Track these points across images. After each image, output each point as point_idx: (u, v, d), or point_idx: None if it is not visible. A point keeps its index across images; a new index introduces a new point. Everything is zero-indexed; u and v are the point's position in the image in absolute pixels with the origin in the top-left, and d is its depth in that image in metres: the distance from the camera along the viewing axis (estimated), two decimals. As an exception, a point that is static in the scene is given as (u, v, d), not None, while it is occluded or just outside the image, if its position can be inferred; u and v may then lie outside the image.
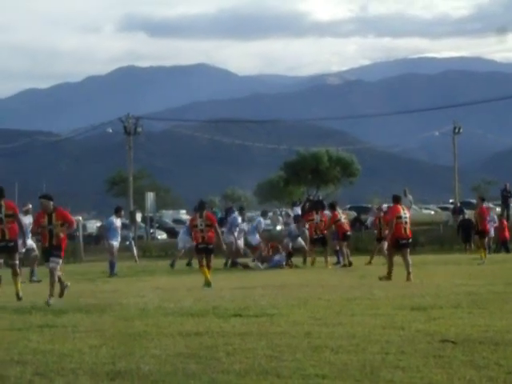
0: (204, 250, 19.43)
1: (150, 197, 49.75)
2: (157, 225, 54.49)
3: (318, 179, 65.73)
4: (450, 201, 62.02)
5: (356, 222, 46.72)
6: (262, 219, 30.77)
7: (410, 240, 19.69)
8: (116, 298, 14.97)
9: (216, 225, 19.82)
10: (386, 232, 21.89)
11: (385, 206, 36.05)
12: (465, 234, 36.21)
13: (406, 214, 19.55)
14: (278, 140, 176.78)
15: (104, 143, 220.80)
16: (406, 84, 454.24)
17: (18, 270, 15.68)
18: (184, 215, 67.77)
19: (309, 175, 65.26)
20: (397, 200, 19.94)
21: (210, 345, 9.02)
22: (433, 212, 58.45)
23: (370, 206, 53.45)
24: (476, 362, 7.70)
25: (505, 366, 7.49)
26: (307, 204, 50.76)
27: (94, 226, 59.38)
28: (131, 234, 44.93)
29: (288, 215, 52.63)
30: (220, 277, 22.67)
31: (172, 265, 28.30)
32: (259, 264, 26.62)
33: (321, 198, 52.98)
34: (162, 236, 53.68)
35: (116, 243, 25.09)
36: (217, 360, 8.10)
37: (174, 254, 33.99)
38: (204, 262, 19.38)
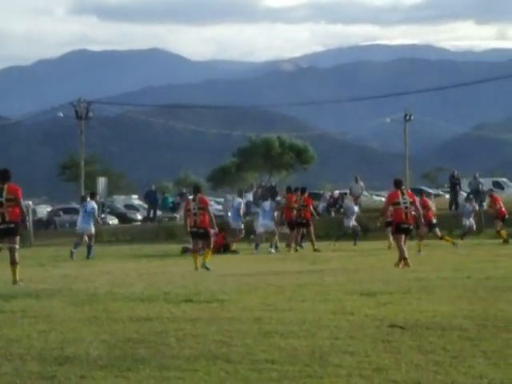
0: (195, 234, 19.55)
1: (102, 182, 49.46)
2: (108, 210, 54.18)
3: (269, 165, 65.90)
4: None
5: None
6: (241, 201, 30.59)
7: (411, 226, 19.26)
8: (66, 283, 14.87)
9: (209, 208, 19.85)
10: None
11: (337, 192, 36.48)
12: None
13: (405, 198, 18.99)
14: (231, 126, 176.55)
15: (55, 128, 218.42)
16: (359, 71, 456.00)
17: (16, 255, 15.43)
18: (136, 200, 67.42)
19: (260, 161, 65.41)
20: (397, 185, 19.34)
21: (160, 330, 9.00)
22: (383, 198, 58.80)
23: (321, 192, 53.65)
24: (423, 347, 7.80)
25: (451, 351, 7.60)
26: (259, 190, 50.92)
27: (44, 210, 58.80)
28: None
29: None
30: (170, 262, 22.66)
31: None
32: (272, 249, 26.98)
33: (274, 184, 53.16)
34: (113, 221, 53.37)
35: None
36: (167, 345, 8.09)
37: (124, 239, 33.83)
38: (197, 247, 19.44)
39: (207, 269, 18.74)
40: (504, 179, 65.99)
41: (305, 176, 73.52)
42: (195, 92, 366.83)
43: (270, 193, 50.46)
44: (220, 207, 57.21)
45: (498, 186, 60.90)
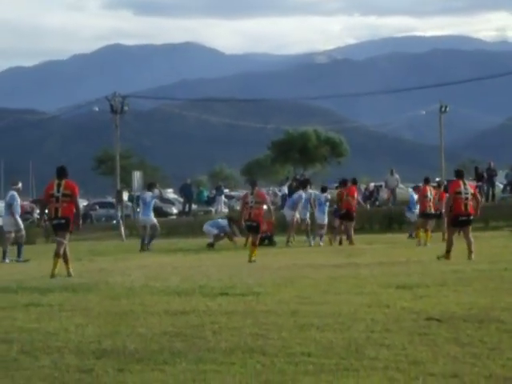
0: (249, 228, 19.86)
1: (137, 176, 49.66)
2: (144, 204, 54.44)
3: (304, 158, 65.84)
4: (437, 179, 62.10)
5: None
6: (302, 193, 29.47)
7: (472, 217, 18.46)
8: (102, 277, 14.97)
9: (268, 202, 20.10)
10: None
11: (372, 184, 36.35)
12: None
13: (467, 189, 18.34)
14: (265, 119, 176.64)
15: (91, 122, 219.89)
16: (393, 63, 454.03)
17: (61, 249, 15.73)
18: (171, 194, 67.66)
19: (296, 154, 65.37)
20: (459, 175, 18.86)
21: (196, 323, 9.04)
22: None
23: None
24: (460, 340, 7.75)
25: (488, 343, 7.55)
26: (294, 183, 50.87)
27: (80, 205, 59.10)
28: (119, 213, 44.97)
29: (275, 194, 52.80)
30: (205, 256, 22.72)
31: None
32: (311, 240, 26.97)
33: (307, 176, 53.08)
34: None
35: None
36: (203, 338, 8.12)
37: (160, 233, 34.02)
38: (250, 239, 19.60)
39: (253, 261, 18.88)
40: (541, 170, 65.24)
41: (339, 169, 73.37)
42: (229, 85, 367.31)
43: (303, 185, 50.45)
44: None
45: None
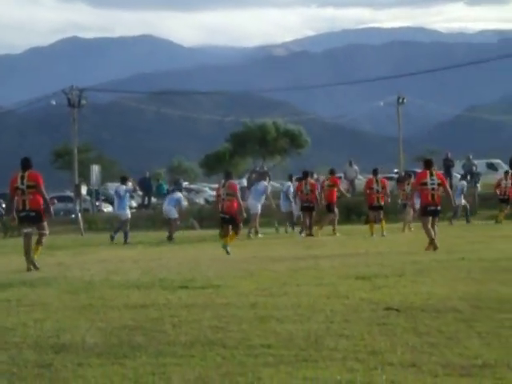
0: (223, 220, 19.83)
1: (95, 169, 49.35)
2: (103, 197, 54.12)
3: (264, 151, 65.87)
4: (395, 170, 62.46)
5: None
6: (291, 184, 30.87)
7: (439, 207, 18.32)
8: (61, 271, 14.88)
9: (238, 194, 19.93)
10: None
11: (322, 177, 36.53)
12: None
13: (434, 179, 18.16)
14: (224, 111, 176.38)
15: (48, 116, 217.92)
16: (351, 55, 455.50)
17: (43, 240, 16.29)
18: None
19: (256, 146, 65.38)
20: (427, 165, 18.61)
21: (155, 317, 9.03)
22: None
23: (316, 176, 53.61)
24: (418, 329, 7.84)
25: (445, 333, 7.64)
26: (253, 175, 50.91)
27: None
28: (77, 207, 44.67)
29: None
30: (166, 249, 22.67)
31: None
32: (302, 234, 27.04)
33: (266, 168, 53.22)
34: (107, 209, 53.33)
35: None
36: (163, 332, 8.12)
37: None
38: (227, 232, 19.61)
39: (227, 252, 18.82)
40: (498, 161, 66.05)
41: (299, 161, 73.50)
42: (187, 78, 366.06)
43: (263, 178, 50.50)
44: (214, 193, 57.19)
45: (492, 167, 60.98)
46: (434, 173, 18.49)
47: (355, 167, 46.50)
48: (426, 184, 18.22)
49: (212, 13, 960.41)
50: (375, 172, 26.80)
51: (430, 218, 18.20)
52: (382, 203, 25.57)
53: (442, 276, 11.90)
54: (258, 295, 10.47)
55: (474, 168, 46.32)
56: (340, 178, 49.97)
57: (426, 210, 18.26)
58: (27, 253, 15.88)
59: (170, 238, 26.86)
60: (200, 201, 54.64)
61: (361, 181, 47.57)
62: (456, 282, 11.09)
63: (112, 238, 26.74)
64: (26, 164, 16.17)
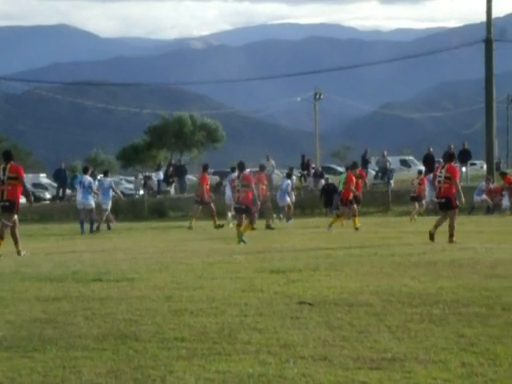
0: (238, 210, 20.40)
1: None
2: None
3: (181, 144, 65.68)
4: (312, 165, 63.06)
5: (219, 187, 46.93)
6: (289, 181, 33.29)
7: (444, 200, 18.02)
8: (-29, 264, 14.56)
9: (252, 185, 20.31)
10: None
11: (248, 170, 36.69)
12: (327, 198, 37.03)
13: (442, 172, 18.09)
14: (141, 104, 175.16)
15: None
16: (269, 49, 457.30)
17: (4, 231, 16.86)
18: (44, 179, 66.34)
19: (172, 139, 65.15)
20: (448, 158, 18.67)
21: (68, 310, 8.92)
22: (294, 177, 59.21)
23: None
24: (331, 323, 7.92)
25: (357, 326, 7.74)
26: (170, 168, 50.75)
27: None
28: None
29: (150, 178, 52.49)
30: (80, 242, 22.42)
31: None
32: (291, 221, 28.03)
33: (183, 162, 53.11)
34: (21, 200, 52.52)
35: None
36: (75, 325, 8.02)
37: (32, 218, 33.35)
38: (241, 222, 19.97)
39: (243, 242, 19.16)
40: (411, 157, 67.24)
41: (216, 155, 73.56)
42: (104, 69, 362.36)
43: (181, 171, 50.40)
44: (131, 186, 56.80)
45: (406, 164, 62.06)
46: (445, 166, 18.45)
47: (272, 162, 46.69)
48: (435, 177, 18.61)
49: (129, 4, 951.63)
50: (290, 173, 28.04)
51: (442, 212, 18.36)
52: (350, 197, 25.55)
53: (355, 270, 12.04)
54: (173, 288, 10.44)
55: (388, 164, 47.04)
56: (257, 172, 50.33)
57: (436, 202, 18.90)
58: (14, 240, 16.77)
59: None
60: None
61: (278, 176, 47.85)
62: (368, 277, 11.24)
63: (83, 230, 26.66)
64: (7, 156, 16.95)
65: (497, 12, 48.47)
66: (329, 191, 36.95)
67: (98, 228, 27.14)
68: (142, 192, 50.59)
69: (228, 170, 53.96)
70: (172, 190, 49.56)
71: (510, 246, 16.18)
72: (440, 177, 18.23)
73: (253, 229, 20.82)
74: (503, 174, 36.60)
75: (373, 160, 51.36)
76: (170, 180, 49.58)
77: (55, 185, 52.06)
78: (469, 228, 22.46)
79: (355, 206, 25.31)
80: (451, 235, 17.59)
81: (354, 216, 24.95)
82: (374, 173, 50.25)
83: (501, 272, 11.53)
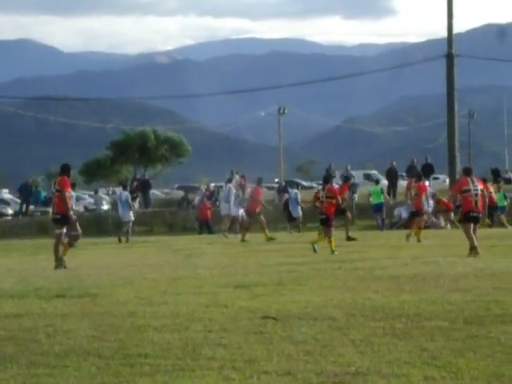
0: (320, 220, 20.70)
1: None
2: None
3: (145, 158, 65.45)
4: (276, 180, 63.13)
5: (184, 201, 46.85)
6: (297, 191, 35.41)
7: (481, 214, 18.33)
8: None
9: (338, 197, 21.09)
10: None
11: (212, 185, 36.77)
12: (289, 212, 37.00)
13: (476, 186, 18.12)
14: (104, 119, 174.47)
15: None
16: (233, 64, 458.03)
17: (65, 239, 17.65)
18: (6, 194, 65.76)
19: (136, 154, 64.90)
20: (467, 172, 18.67)
21: (29, 326, 8.84)
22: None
23: (197, 185, 53.76)
24: (295, 337, 7.92)
25: (321, 340, 7.75)
26: (135, 183, 50.58)
27: None
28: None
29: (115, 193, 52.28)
30: (43, 257, 22.21)
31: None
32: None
33: (147, 177, 52.99)
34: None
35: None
36: (36, 342, 7.95)
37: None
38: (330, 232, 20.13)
39: (334, 252, 19.21)
40: (374, 171, 67.57)
41: (181, 169, 73.33)
42: (67, 84, 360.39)
43: (145, 186, 50.23)
44: (92, 200, 56.42)
45: (369, 178, 62.37)
46: (475, 180, 18.57)
47: (237, 176, 46.68)
48: (468, 191, 18.22)
49: (91, 18, 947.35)
50: (259, 181, 28.09)
51: (472, 225, 18.21)
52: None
53: (319, 285, 12.07)
54: (137, 304, 10.39)
55: (352, 179, 47.21)
56: (221, 187, 50.35)
57: (470, 216, 18.27)
58: None
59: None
60: (79, 208, 53.80)
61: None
62: (332, 291, 11.27)
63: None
64: (62, 169, 17.81)
65: (458, 28, 49.02)
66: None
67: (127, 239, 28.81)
68: (105, 207, 50.28)
69: (194, 184, 53.97)
70: (136, 204, 49.35)
71: (473, 260, 16.31)
72: (476, 190, 18.15)
73: (329, 238, 20.27)
74: (438, 200, 35.12)
75: (337, 174, 51.52)
76: (135, 195, 49.37)
77: (18, 200, 51.61)
78: (432, 242, 22.60)
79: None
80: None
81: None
82: (337, 186, 50.38)
83: (463, 286, 11.62)
